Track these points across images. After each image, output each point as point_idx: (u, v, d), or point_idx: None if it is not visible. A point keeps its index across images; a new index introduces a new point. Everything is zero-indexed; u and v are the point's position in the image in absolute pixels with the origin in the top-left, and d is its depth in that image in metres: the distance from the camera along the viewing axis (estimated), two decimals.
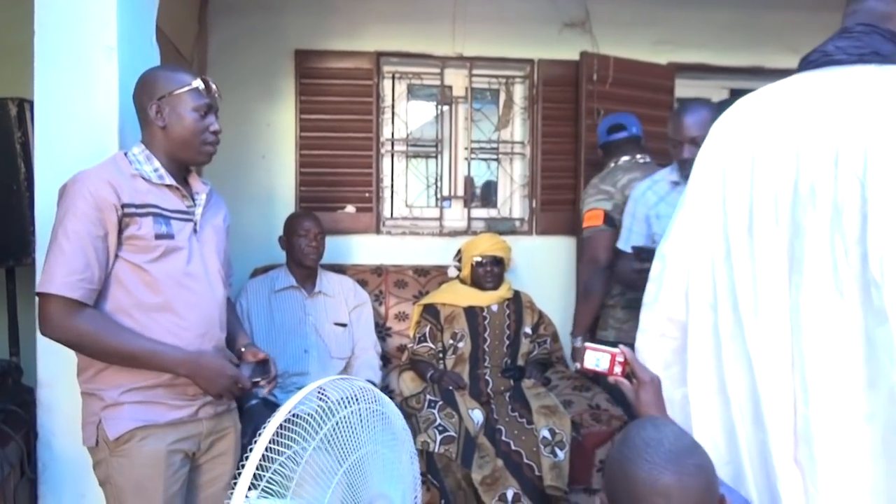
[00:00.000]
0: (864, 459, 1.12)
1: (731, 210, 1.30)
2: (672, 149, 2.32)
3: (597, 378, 2.48)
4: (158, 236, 1.58)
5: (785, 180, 1.21)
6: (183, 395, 1.63)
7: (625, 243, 2.48)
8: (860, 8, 1.26)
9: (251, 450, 1.17)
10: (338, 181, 3.45)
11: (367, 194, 3.48)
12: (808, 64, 1.27)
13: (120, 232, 1.55)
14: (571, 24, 3.62)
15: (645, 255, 2.11)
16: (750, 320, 1.25)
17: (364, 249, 3.46)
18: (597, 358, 1.39)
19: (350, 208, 3.48)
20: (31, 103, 2.15)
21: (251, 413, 2.43)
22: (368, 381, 2.71)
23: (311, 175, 3.43)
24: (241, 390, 1.67)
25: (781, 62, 3.68)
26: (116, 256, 1.56)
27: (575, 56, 3.49)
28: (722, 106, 3.11)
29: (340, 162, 3.45)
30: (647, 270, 2.05)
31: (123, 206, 1.55)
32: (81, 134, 1.80)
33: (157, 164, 1.64)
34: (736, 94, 3.80)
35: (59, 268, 1.49)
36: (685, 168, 2.22)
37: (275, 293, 2.86)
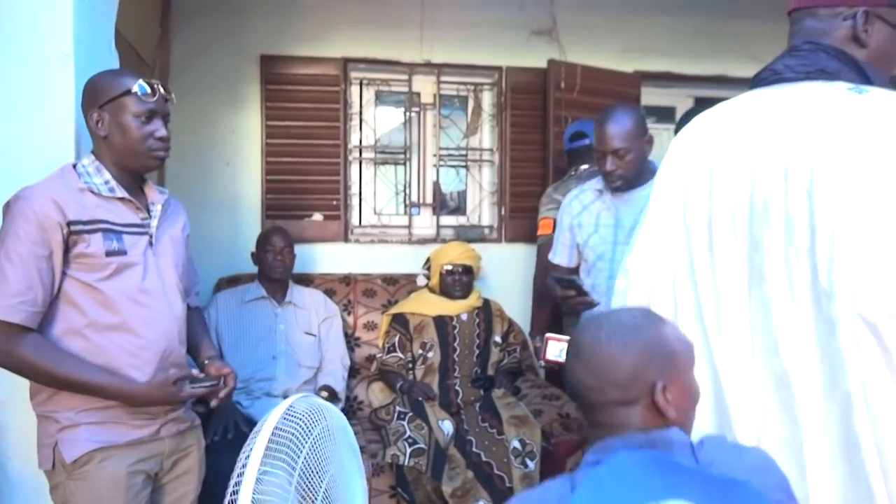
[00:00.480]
0: (825, 468, 1.13)
1: (691, 225, 1.32)
2: (597, 161, 2.25)
3: (563, 380, 2.47)
4: (109, 253, 1.52)
5: (741, 195, 1.24)
6: (143, 413, 1.57)
7: (553, 253, 2.47)
8: (799, 29, 1.29)
9: (240, 476, 1.11)
10: (305, 189, 3.40)
11: (334, 202, 3.44)
12: (759, 81, 1.31)
13: (67, 250, 1.49)
14: (539, 32, 3.63)
15: (565, 284, 2.08)
16: (714, 334, 1.27)
17: (332, 258, 3.42)
18: (559, 348, 1.38)
19: (317, 216, 3.43)
20: None
21: (217, 412, 2.35)
22: (326, 385, 2.76)
23: (278, 182, 3.38)
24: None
25: (744, 71, 3.74)
26: (65, 275, 1.50)
27: (542, 64, 3.50)
28: (687, 116, 3.15)
29: (307, 169, 3.40)
30: (569, 298, 2.06)
31: (69, 223, 1.48)
32: (36, 145, 1.72)
33: (107, 175, 1.58)
34: (700, 101, 3.86)
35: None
36: (609, 179, 2.19)
37: (245, 303, 2.89)
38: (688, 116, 2.99)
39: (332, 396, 2.77)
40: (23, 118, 1.72)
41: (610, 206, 2.27)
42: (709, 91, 3.87)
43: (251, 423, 2.55)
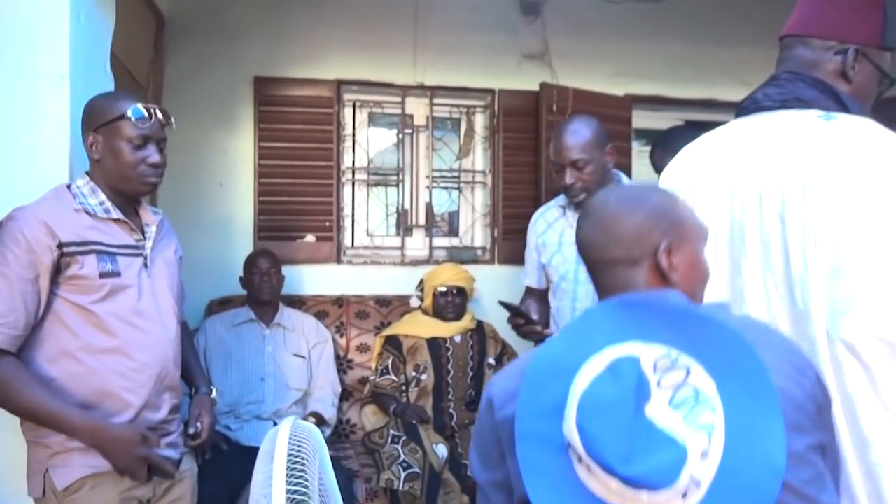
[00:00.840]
0: None
1: None
2: (554, 174, 2.20)
3: None
4: (103, 274, 1.50)
5: (722, 220, 1.28)
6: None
7: (524, 275, 2.45)
8: (789, 55, 1.33)
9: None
10: (297, 210, 3.39)
11: (327, 223, 3.43)
12: (742, 110, 1.36)
13: (57, 273, 1.47)
14: (531, 56, 3.66)
15: (511, 310, 2.06)
16: None
17: (324, 280, 3.40)
18: None
19: (310, 237, 3.42)
20: None
21: None
22: (314, 412, 2.74)
23: (270, 203, 3.37)
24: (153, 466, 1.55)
25: (732, 95, 3.79)
26: (58, 297, 1.48)
27: (534, 87, 3.53)
28: (672, 132, 3.12)
29: (300, 190, 3.39)
30: (518, 326, 2.04)
31: (61, 245, 1.46)
32: (30, 165, 1.71)
33: (102, 196, 1.57)
34: (690, 124, 3.91)
35: None
36: (570, 193, 2.15)
37: (234, 326, 2.90)
38: (664, 139, 2.97)
39: (321, 423, 2.75)
40: (17, 138, 1.71)
41: (573, 223, 2.19)
42: (698, 114, 3.91)
43: (235, 446, 2.52)
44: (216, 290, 3.14)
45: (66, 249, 1.47)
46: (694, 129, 2.72)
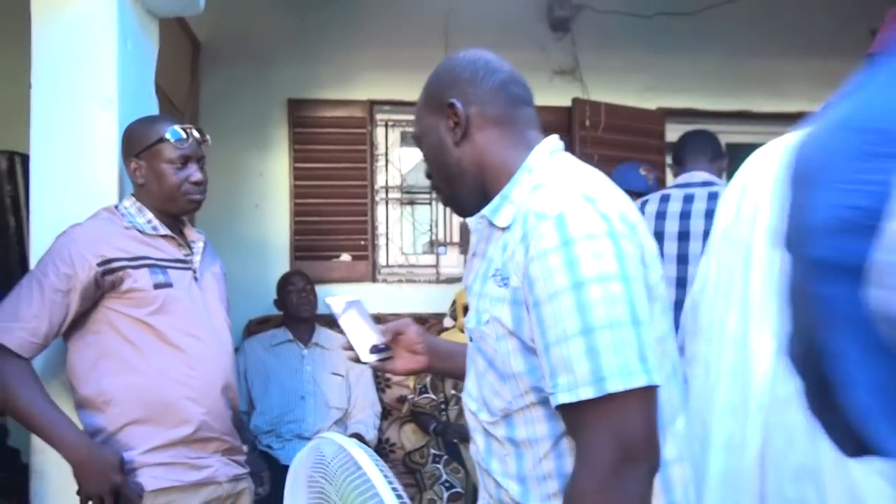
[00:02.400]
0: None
1: (735, 252, 1.33)
2: None
3: None
4: (157, 286, 1.54)
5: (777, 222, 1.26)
6: (202, 451, 1.56)
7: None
8: None
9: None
10: (332, 229, 3.41)
11: (362, 242, 3.44)
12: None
13: (112, 289, 1.51)
14: (561, 72, 3.66)
15: None
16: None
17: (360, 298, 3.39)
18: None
19: (345, 256, 3.43)
20: (22, 156, 2.11)
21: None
22: (356, 433, 2.72)
23: (306, 224, 3.40)
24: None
25: (768, 106, 3.77)
26: (114, 311, 1.52)
27: (566, 103, 3.52)
28: (682, 140, 2.95)
29: (335, 210, 3.42)
30: None
31: (108, 261, 1.50)
32: (79, 188, 1.74)
33: (149, 215, 1.61)
34: (725, 136, 3.86)
35: (6, 311, 1.47)
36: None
37: (272, 346, 2.91)
38: (683, 140, 2.83)
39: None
40: (68, 161, 1.74)
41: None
42: (733, 126, 3.87)
43: (277, 465, 2.51)
44: (253, 310, 3.16)
45: (114, 265, 1.51)
46: (706, 136, 2.64)
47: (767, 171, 1.31)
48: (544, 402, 0.90)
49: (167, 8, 1.97)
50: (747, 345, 1.27)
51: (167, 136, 1.58)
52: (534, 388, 0.91)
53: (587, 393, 0.81)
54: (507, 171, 0.99)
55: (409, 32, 3.49)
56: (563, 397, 0.83)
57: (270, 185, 3.41)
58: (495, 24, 3.51)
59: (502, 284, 0.92)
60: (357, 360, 1.21)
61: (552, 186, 0.92)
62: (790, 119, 3.75)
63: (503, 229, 0.96)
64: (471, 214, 1.04)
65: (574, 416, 0.85)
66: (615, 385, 0.81)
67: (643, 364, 0.82)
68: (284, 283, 2.97)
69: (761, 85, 3.74)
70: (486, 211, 0.99)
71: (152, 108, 1.97)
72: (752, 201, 1.32)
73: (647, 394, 0.83)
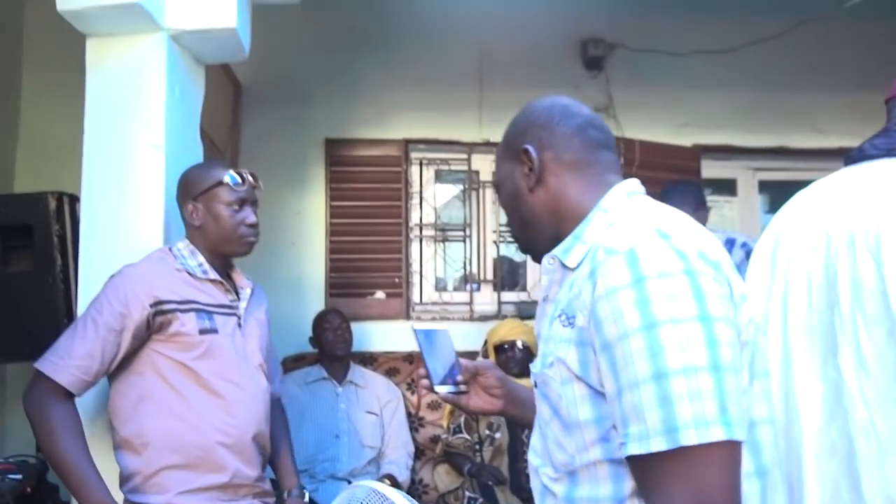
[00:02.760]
0: None
1: (772, 297, 1.33)
2: None
3: None
4: (203, 331, 1.57)
5: (817, 265, 1.25)
6: (235, 495, 1.56)
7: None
8: None
9: None
10: (367, 267, 3.44)
11: (396, 279, 3.46)
12: (848, 160, 1.35)
13: (160, 331, 1.54)
14: (595, 110, 3.60)
15: None
16: (784, 405, 1.25)
17: (394, 336, 3.40)
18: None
19: (380, 294, 3.45)
20: (70, 197, 2.18)
21: None
22: (388, 474, 2.70)
23: (341, 261, 3.43)
24: None
25: (806, 142, 3.72)
26: (159, 353, 1.56)
27: None
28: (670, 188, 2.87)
29: (370, 248, 3.45)
30: None
31: (161, 302, 1.54)
32: (126, 229, 1.80)
33: (201, 258, 1.65)
34: (761, 172, 3.82)
35: (61, 348, 1.50)
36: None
37: (307, 384, 2.92)
38: (666, 190, 2.78)
39: (395, 485, 2.71)
40: (116, 204, 1.81)
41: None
42: (769, 163, 3.83)
43: None
44: (289, 347, 3.18)
45: (165, 307, 1.55)
46: (690, 185, 2.59)
47: (802, 222, 1.30)
48: (611, 459, 0.84)
49: (214, 56, 2.03)
50: (791, 392, 1.24)
51: (225, 179, 1.63)
52: (601, 441, 0.85)
53: (659, 445, 0.75)
54: (582, 213, 0.95)
55: (444, 72, 3.55)
56: (634, 448, 0.77)
57: (307, 223, 3.45)
58: (529, 63, 3.55)
59: (567, 324, 0.88)
60: (430, 388, 1.20)
61: (625, 223, 0.89)
62: (827, 155, 3.76)
63: (573, 269, 0.93)
64: None
65: (645, 471, 0.78)
66: (689, 438, 0.73)
67: (723, 415, 0.74)
68: (320, 321, 2.99)
69: (797, 121, 3.70)
70: (557, 251, 0.96)
71: (198, 152, 2.03)
72: (786, 251, 1.32)
73: (729, 449, 0.75)
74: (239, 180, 1.64)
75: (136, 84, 1.82)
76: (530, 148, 0.99)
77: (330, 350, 2.92)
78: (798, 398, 1.23)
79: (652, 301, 0.78)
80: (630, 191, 0.97)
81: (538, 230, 1.01)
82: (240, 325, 1.67)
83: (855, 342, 1.16)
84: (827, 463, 1.18)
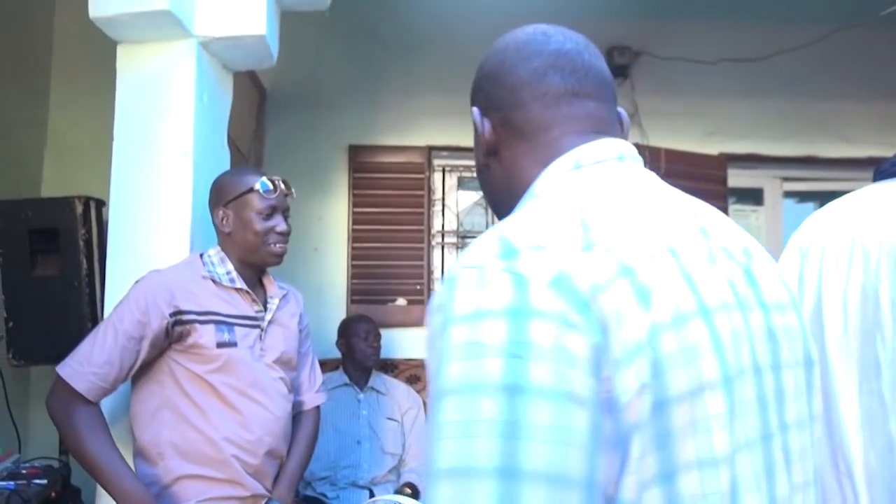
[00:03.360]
0: None
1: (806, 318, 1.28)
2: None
3: None
4: (220, 344, 1.55)
5: (854, 286, 1.20)
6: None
7: None
8: None
9: None
10: (389, 273, 3.43)
11: (418, 287, 3.45)
12: (880, 174, 1.29)
13: (179, 340, 1.54)
14: None
15: None
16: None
17: (416, 343, 3.39)
18: None
19: (401, 301, 3.44)
20: (97, 201, 2.19)
21: None
22: (409, 482, 2.69)
23: (363, 268, 3.42)
24: None
25: (834, 151, 3.67)
26: (177, 364, 1.55)
27: None
28: None
29: (392, 254, 3.44)
30: None
31: (180, 312, 1.53)
32: (154, 235, 1.80)
33: (229, 266, 1.64)
34: (788, 181, 3.77)
35: (81, 354, 1.50)
36: None
37: (329, 390, 2.86)
38: None
39: (415, 494, 2.69)
40: (144, 210, 1.81)
41: None
42: (797, 172, 3.78)
43: None
44: None
45: (185, 317, 1.54)
46: None
47: (833, 240, 1.25)
48: None
49: (243, 63, 2.04)
50: (838, 412, 1.20)
51: (256, 186, 1.62)
52: None
53: None
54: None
55: (467, 79, 3.43)
56: None
57: (329, 229, 3.45)
58: None
59: None
60: None
61: (508, 224, 0.61)
62: (855, 164, 3.70)
63: None
64: None
65: None
66: None
67: None
68: (353, 328, 2.94)
69: (825, 130, 3.65)
70: None
71: (225, 158, 2.03)
72: (815, 269, 1.26)
73: None
74: (270, 187, 1.63)
75: (165, 90, 1.83)
76: (475, 111, 0.78)
77: (361, 360, 2.90)
78: (843, 421, 1.19)
79: (448, 357, 0.53)
80: (577, 162, 0.69)
81: (502, 217, 0.73)
82: (261, 337, 1.65)
83: None
84: (879, 485, 1.14)
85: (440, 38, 3.49)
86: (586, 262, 0.55)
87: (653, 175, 0.71)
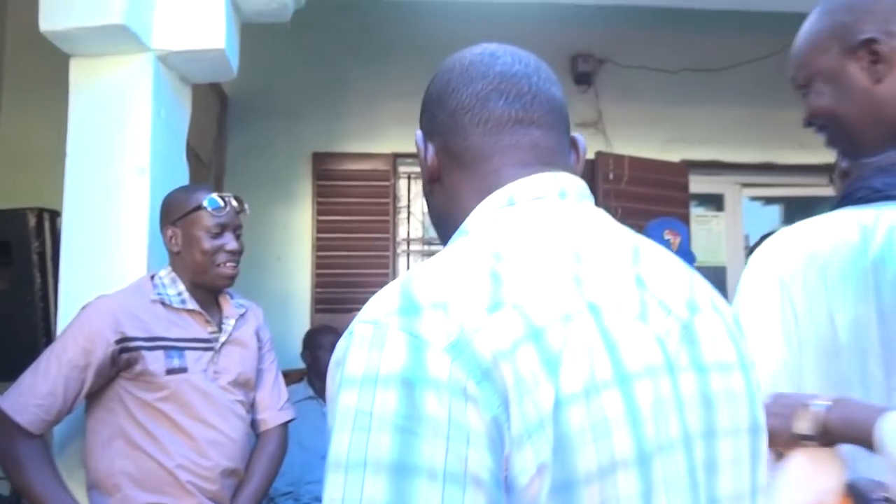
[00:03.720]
0: None
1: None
2: None
3: None
4: (170, 371, 1.51)
5: (867, 309, 1.09)
6: None
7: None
8: None
9: None
10: (354, 282, 3.40)
11: None
12: (856, 200, 1.19)
13: (127, 368, 1.49)
14: (584, 125, 3.67)
15: None
16: None
17: None
18: None
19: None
20: (51, 213, 2.13)
21: None
22: None
23: (328, 276, 3.39)
24: None
25: (792, 158, 3.75)
26: (127, 392, 1.50)
27: (590, 155, 3.51)
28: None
29: (357, 263, 3.41)
30: None
31: (126, 339, 1.48)
32: (109, 253, 1.76)
33: (181, 287, 1.59)
34: (748, 187, 3.85)
35: (24, 385, 1.46)
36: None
37: (293, 403, 2.82)
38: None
39: None
40: (98, 226, 1.77)
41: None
42: (757, 177, 3.86)
43: None
44: None
45: (131, 344, 1.48)
46: None
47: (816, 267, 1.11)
48: None
49: (202, 76, 2.00)
50: None
51: (204, 203, 1.57)
52: None
53: None
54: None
55: None
56: None
57: (293, 237, 3.41)
58: None
59: None
60: None
61: (421, 271, 0.57)
62: (811, 170, 3.78)
63: None
64: None
65: None
66: None
67: None
68: (319, 339, 2.89)
69: (783, 137, 3.71)
70: None
71: (183, 174, 1.99)
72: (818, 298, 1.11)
73: None
74: (220, 204, 1.58)
75: (121, 105, 1.78)
76: (418, 134, 0.74)
77: (325, 372, 2.87)
78: None
79: (338, 425, 0.51)
80: (512, 199, 0.64)
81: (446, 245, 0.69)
82: (215, 360, 1.60)
83: None
84: None
85: (406, 45, 3.48)
86: (490, 325, 0.50)
87: (598, 213, 0.66)
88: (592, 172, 3.48)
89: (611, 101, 3.64)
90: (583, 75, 3.62)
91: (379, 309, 0.53)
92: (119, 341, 1.48)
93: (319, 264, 3.40)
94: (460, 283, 0.53)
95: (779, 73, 3.79)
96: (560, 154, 0.69)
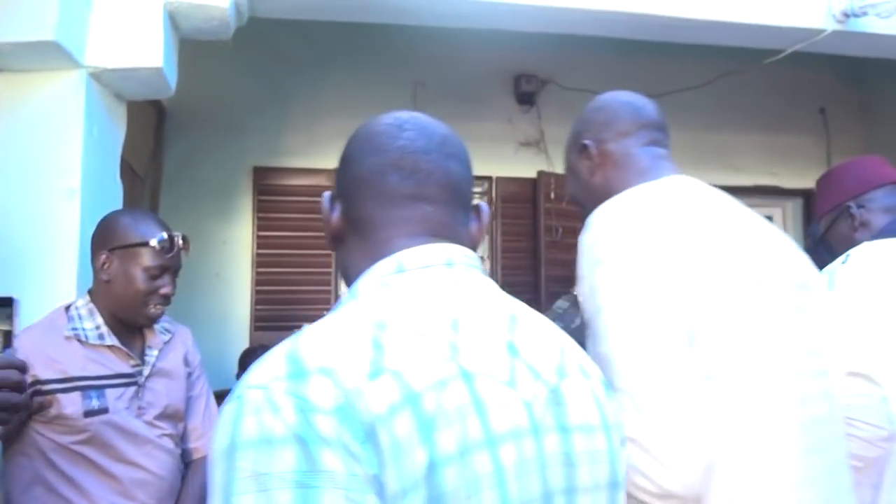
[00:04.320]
0: None
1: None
2: None
3: None
4: (89, 412, 1.39)
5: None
6: None
7: None
8: None
9: None
10: (295, 299, 3.34)
11: (324, 313, 3.36)
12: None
13: (40, 412, 1.37)
14: (527, 144, 3.72)
15: None
16: None
17: None
18: None
19: (307, 327, 3.36)
20: None
21: None
22: None
23: (268, 293, 3.33)
24: None
25: (724, 179, 3.86)
26: (42, 436, 1.38)
27: (532, 174, 3.57)
28: None
29: (298, 279, 3.36)
30: None
31: (39, 382, 1.36)
32: (39, 281, 1.67)
33: (99, 320, 1.47)
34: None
35: None
36: None
37: None
38: None
39: None
40: (28, 253, 1.68)
41: None
42: None
43: None
44: (213, 383, 3.04)
45: (44, 387, 1.37)
46: None
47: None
48: None
49: (138, 93, 1.93)
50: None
51: (153, 242, 1.45)
52: None
53: None
54: None
55: (377, 102, 3.46)
56: None
57: (232, 253, 3.34)
58: (463, 95, 3.57)
59: None
60: None
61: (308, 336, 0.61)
62: (741, 191, 3.93)
63: None
64: None
65: None
66: None
67: None
68: (254, 359, 2.85)
69: (716, 159, 3.86)
70: None
71: (116, 194, 1.92)
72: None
73: None
74: (168, 245, 1.47)
75: (50, 123, 1.71)
76: (325, 195, 0.77)
77: None
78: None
79: (236, 490, 0.52)
80: (401, 265, 0.68)
81: None
82: (139, 395, 1.49)
83: None
84: None
85: (350, 60, 3.46)
86: (371, 391, 0.54)
87: (483, 282, 0.71)
88: (534, 191, 3.54)
89: (553, 121, 3.70)
90: (525, 95, 3.67)
91: (268, 374, 0.56)
92: (31, 384, 1.34)
93: (259, 281, 3.33)
94: (345, 350, 0.57)
95: (713, 100, 3.96)
96: (452, 227, 0.73)
